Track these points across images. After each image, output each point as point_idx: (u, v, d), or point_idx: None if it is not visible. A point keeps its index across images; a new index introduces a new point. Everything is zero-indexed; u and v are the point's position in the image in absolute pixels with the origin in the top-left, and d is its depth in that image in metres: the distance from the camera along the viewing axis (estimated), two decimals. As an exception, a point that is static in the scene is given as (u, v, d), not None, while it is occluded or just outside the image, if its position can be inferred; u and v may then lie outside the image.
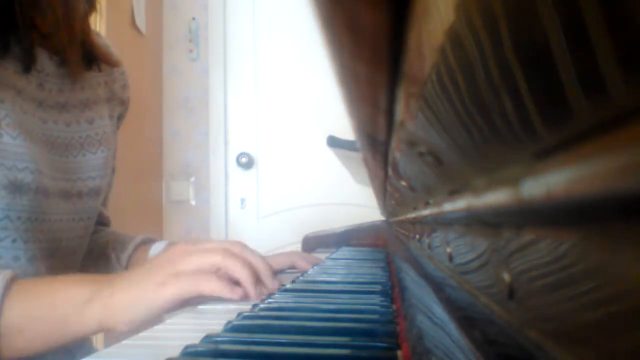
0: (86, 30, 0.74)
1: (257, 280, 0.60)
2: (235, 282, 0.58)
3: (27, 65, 0.66)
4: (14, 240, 0.63)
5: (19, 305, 0.52)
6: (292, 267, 0.93)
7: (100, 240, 0.86)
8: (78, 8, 0.69)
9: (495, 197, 0.16)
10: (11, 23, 0.62)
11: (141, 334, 0.48)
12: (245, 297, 0.57)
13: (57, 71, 0.72)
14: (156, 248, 0.83)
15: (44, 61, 0.69)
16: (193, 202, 2.60)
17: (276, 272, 0.93)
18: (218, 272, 0.57)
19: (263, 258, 0.63)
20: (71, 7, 0.67)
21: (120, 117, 0.85)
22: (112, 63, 0.80)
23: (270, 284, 0.62)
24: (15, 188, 0.62)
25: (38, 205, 0.65)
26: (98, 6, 0.74)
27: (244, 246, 0.62)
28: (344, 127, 0.49)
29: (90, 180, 0.74)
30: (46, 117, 0.69)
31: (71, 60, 0.72)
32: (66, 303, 0.54)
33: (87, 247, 0.80)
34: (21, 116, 0.65)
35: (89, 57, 0.76)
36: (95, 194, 0.75)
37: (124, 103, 0.84)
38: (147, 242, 0.86)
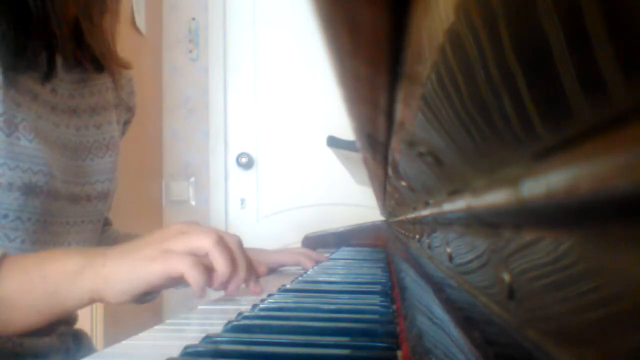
0: (102, 35, 0.75)
1: (235, 279, 0.59)
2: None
3: (48, 75, 0.67)
4: (23, 241, 0.63)
5: (10, 280, 0.52)
6: (297, 264, 0.94)
7: (108, 239, 0.87)
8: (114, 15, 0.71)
9: (495, 197, 0.16)
10: (29, 32, 0.63)
11: (141, 334, 0.48)
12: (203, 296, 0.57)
13: (69, 76, 0.73)
14: None
15: (57, 66, 0.70)
16: (193, 202, 2.60)
17: (281, 267, 0.94)
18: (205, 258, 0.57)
19: (251, 261, 0.62)
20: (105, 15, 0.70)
21: (126, 123, 0.86)
22: (124, 64, 0.81)
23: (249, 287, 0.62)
24: (29, 190, 0.63)
25: (48, 208, 0.66)
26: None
27: (239, 242, 0.61)
28: (344, 127, 0.49)
29: (99, 184, 0.75)
30: (59, 122, 0.70)
31: (110, 65, 0.74)
32: (57, 275, 0.54)
33: (96, 245, 0.81)
34: (36, 120, 0.66)
35: (100, 60, 0.77)
36: (104, 197, 0.76)
37: (130, 109, 0.86)
38: None
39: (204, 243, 0.56)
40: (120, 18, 0.76)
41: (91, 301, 0.55)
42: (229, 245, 0.58)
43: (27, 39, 0.63)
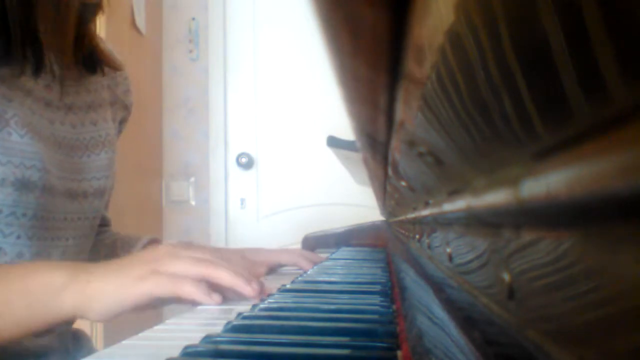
0: (90, 34, 0.74)
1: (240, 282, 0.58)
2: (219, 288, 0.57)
3: (37, 68, 0.66)
4: (18, 237, 0.64)
5: None
6: (295, 265, 0.93)
7: (107, 241, 0.87)
8: (72, 11, 0.69)
9: (495, 197, 0.16)
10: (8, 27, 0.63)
11: (141, 334, 0.48)
12: (221, 301, 0.56)
13: (65, 73, 0.73)
14: None
15: (52, 63, 0.70)
16: (193, 202, 2.60)
17: (279, 266, 0.94)
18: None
19: (247, 266, 0.62)
20: (63, 10, 0.68)
21: (122, 122, 0.86)
22: (116, 66, 0.81)
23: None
24: (22, 185, 0.63)
25: (44, 203, 0.66)
26: (104, 8, 0.74)
27: (229, 259, 0.61)
28: (344, 127, 0.49)
29: (95, 181, 0.75)
30: (54, 118, 0.70)
31: (67, 63, 0.72)
32: (40, 288, 0.53)
33: (94, 248, 0.82)
34: (30, 116, 0.66)
35: (92, 60, 0.76)
36: (100, 194, 0.76)
37: (126, 108, 0.86)
38: (154, 242, 0.87)
39: (197, 270, 0.56)
40: (91, 22, 0.75)
41: (73, 318, 0.54)
42: (219, 261, 0.58)
43: (10, 37, 0.62)
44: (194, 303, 0.56)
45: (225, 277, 0.56)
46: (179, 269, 0.55)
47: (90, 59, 0.75)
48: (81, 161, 0.74)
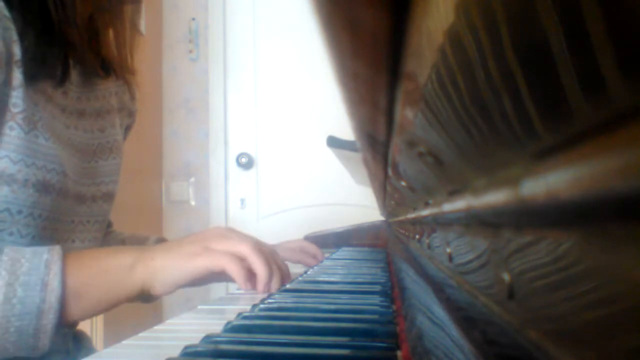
0: (107, 38, 0.77)
1: (273, 281, 0.66)
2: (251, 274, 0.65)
3: (62, 80, 0.69)
4: (33, 237, 0.65)
5: (75, 274, 0.58)
6: (299, 263, 0.98)
7: (116, 239, 0.90)
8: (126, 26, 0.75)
9: (495, 197, 0.16)
10: (47, 38, 0.65)
11: (141, 334, 0.48)
12: (251, 289, 0.64)
13: (78, 80, 0.74)
14: None
15: (71, 72, 0.71)
16: (193, 202, 2.60)
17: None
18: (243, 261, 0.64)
19: (284, 265, 0.70)
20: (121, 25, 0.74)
21: (127, 128, 0.88)
22: (130, 70, 0.83)
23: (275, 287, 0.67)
24: (42, 187, 0.65)
25: (57, 206, 0.68)
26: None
27: (273, 250, 0.69)
28: (344, 127, 0.49)
29: (104, 185, 0.77)
30: (69, 123, 0.72)
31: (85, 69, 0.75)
32: (115, 268, 0.61)
33: (105, 246, 0.84)
34: (52, 120, 0.68)
35: (107, 64, 0.78)
36: (109, 198, 0.79)
37: (132, 115, 0.88)
38: (161, 241, 0.92)
39: (243, 248, 0.63)
40: (139, 29, 0.79)
41: (141, 292, 0.61)
42: (265, 251, 0.66)
43: (49, 48, 0.64)
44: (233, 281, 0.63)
45: (258, 265, 0.64)
46: (226, 247, 0.63)
47: (105, 64, 0.77)
48: (90, 165, 0.76)
